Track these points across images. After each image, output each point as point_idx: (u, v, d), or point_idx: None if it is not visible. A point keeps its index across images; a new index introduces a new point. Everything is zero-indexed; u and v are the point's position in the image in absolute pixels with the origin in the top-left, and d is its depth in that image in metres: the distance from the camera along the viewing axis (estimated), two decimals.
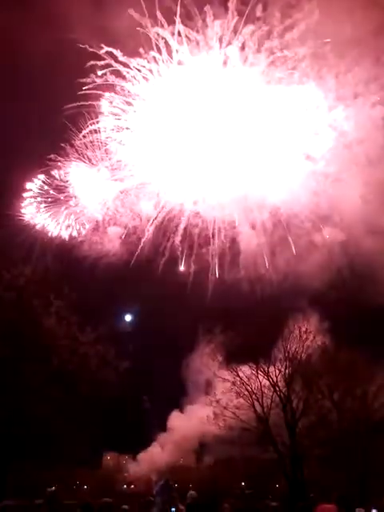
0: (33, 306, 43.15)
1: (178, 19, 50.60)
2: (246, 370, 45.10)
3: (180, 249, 60.52)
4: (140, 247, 59.92)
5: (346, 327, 51.08)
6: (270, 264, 60.49)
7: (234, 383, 45.05)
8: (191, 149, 58.90)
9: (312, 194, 59.60)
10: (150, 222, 60.43)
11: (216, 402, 45.13)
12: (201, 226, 60.85)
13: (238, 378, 45.03)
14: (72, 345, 44.58)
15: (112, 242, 60.72)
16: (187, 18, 51.05)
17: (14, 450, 42.99)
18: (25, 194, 57.21)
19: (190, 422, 54.09)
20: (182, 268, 60.65)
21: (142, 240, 60.26)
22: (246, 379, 44.89)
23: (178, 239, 60.53)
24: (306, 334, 44.39)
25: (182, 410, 57.89)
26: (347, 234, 59.23)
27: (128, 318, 62.87)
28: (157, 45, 51.92)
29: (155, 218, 60.37)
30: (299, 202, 59.81)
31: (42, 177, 56.92)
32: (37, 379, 41.43)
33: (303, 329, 44.70)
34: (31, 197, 57.57)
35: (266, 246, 61.03)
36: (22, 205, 57.05)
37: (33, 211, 57.52)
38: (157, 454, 57.39)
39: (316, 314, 51.57)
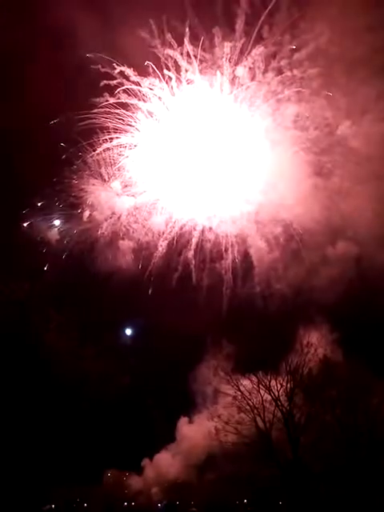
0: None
1: (186, 40, 52.76)
2: (247, 385, 44.55)
3: (193, 263, 61.10)
4: (152, 262, 60.85)
5: (356, 340, 50.28)
6: (282, 278, 60.67)
7: (235, 398, 44.47)
8: (203, 165, 59.98)
9: (324, 209, 59.61)
10: (163, 236, 61.37)
11: (217, 416, 44.53)
12: (213, 240, 61.51)
13: (240, 393, 44.42)
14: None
15: (125, 256, 61.69)
16: (196, 39, 53.14)
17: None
18: (37, 209, 59.53)
19: (198, 432, 53.56)
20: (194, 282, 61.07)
21: (155, 255, 61.19)
22: (247, 394, 44.27)
23: (190, 254, 61.23)
24: (308, 347, 43.81)
25: (190, 420, 57.60)
26: (360, 247, 59.05)
27: (130, 331, 63.21)
28: (166, 64, 53.98)
29: (168, 233, 61.33)
30: (312, 216, 59.97)
31: (55, 193, 59.37)
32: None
33: (305, 342, 44.18)
34: (44, 212, 59.72)
35: (279, 260, 61.21)
36: (34, 219, 59.25)
37: (45, 226, 59.53)
38: (164, 465, 56.83)
39: (325, 327, 51.26)
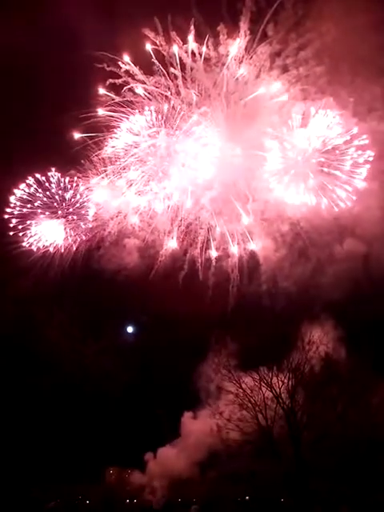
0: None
1: (191, 37, 52.98)
2: (248, 382, 44.49)
3: (199, 261, 61.10)
4: (159, 260, 60.98)
5: (360, 338, 49.86)
6: (289, 276, 60.52)
7: (237, 395, 44.46)
8: (208, 163, 60.05)
9: (332, 207, 59.29)
10: (169, 235, 61.50)
11: (219, 414, 44.52)
12: (219, 239, 61.52)
13: (241, 390, 44.37)
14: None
15: (130, 255, 61.89)
16: (200, 37, 53.33)
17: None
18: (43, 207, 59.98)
19: (201, 429, 53.52)
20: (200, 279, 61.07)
21: (161, 253, 61.31)
22: (249, 391, 44.22)
23: (196, 252, 61.28)
24: (310, 345, 43.64)
25: (194, 415, 57.65)
26: (368, 246, 58.68)
27: (132, 328, 63.38)
28: (171, 62, 54.25)
29: (174, 231, 61.44)
30: (319, 214, 59.66)
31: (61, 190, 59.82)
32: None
33: (306, 340, 44.02)
34: (50, 209, 60.18)
35: (285, 258, 61.08)
36: (37, 219, 59.74)
37: (49, 225, 59.97)
38: (168, 461, 56.83)
39: (329, 325, 51.10)
